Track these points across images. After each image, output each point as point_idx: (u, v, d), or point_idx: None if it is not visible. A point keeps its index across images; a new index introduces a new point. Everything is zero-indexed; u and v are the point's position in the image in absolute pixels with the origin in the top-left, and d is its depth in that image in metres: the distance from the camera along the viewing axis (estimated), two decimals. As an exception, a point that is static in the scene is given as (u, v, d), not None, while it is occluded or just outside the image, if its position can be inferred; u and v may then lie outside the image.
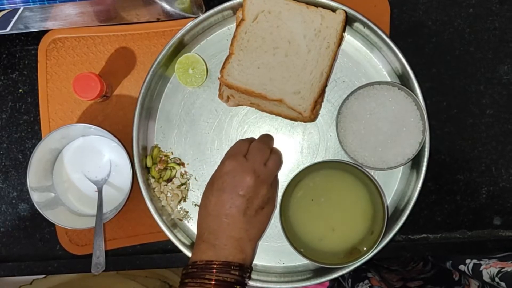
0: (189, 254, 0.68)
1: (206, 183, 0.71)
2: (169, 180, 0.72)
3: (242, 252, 0.61)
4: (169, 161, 0.72)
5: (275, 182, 0.68)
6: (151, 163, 0.71)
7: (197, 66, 0.70)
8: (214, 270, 0.58)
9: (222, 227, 0.61)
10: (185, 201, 0.72)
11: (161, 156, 0.72)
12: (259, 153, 0.64)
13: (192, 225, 0.73)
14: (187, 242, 0.70)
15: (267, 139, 0.69)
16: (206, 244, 0.61)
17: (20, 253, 0.75)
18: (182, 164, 0.72)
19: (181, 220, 0.72)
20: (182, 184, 0.72)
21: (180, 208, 0.72)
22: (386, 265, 0.94)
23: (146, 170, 0.71)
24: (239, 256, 0.61)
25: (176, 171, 0.72)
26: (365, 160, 0.67)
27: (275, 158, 0.66)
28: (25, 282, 0.96)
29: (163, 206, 0.71)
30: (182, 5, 0.68)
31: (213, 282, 0.58)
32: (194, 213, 0.72)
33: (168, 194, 0.72)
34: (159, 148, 0.72)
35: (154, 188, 0.71)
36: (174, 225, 0.71)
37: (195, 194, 0.73)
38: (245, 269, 0.61)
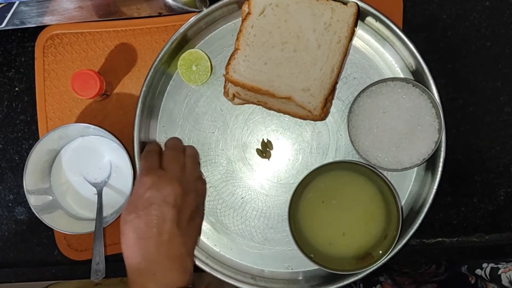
0: (210, 271, 0.66)
1: (211, 185, 0.69)
2: None
3: (185, 272, 0.57)
4: None
5: (200, 190, 0.65)
6: None
7: (201, 62, 0.67)
8: None
9: (161, 248, 0.55)
10: None
11: None
12: (175, 161, 0.62)
13: (207, 241, 0.70)
14: (203, 257, 0.68)
15: (175, 143, 0.66)
16: (144, 275, 0.54)
17: (17, 258, 0.73)
18: None
19: None
20: None
21: None
22: (397, 267, 0.92)
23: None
24: (184, 278, 0.56)
25: None
26: (378, 161, 0.64)
27: (190, 162, 0.64)
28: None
29: None
30: (185, -1, 0.65)
31: None
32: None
33: None
34: None
35: None
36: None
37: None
38: None
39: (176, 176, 0.60)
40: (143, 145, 0.68)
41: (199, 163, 0.67)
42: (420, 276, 0.89)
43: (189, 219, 0.60)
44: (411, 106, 0.63)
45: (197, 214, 0.62)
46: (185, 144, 0.69)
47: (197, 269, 0.67)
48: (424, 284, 0.84)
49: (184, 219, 0.59)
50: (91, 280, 0.67)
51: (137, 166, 0.66)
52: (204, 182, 0.68)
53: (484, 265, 0.72)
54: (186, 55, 0.67)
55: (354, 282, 0.86)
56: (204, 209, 0.67)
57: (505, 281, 0.68)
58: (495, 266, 0.70)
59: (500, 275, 0.69)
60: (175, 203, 0.57)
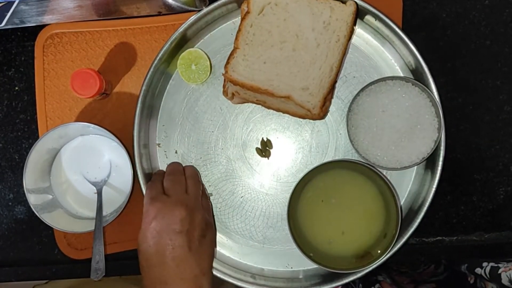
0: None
1: (211, 185, 0.69)
2: None
3: None
4: None
5: (206, 204, 0.66)
6: None
7: (200, 61, 0.67)
8: None
9: (173, 272, 0.57)
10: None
11: None
12: (177, 185, 0.62)
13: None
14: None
15: (174, 167, 0.66)
16: None
17: (17, 257, 0.73)
18: None
19: None
20: None
21: None
22: (396, 267, 0.92)
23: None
24: None
25: None
26: (377, 160, 0.64)
27: (192, 182, 0.64)
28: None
29: None
30: (185, -2, 0.65)
31: None
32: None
33: None
34: None
35: None
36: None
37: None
38: None
39: (179, 199, 0.60)
40: (142, 144, 0.68)
41: (200, 181, 0.67)
42: (418, 276, 0.89)
43: (200, 238, 0.60)
44: (410, 105, 0.63)
45: (208, 231, 0.62)
46: (185, 143, 0.69)
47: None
48: (422, 283, 0.84)
49: (195, 240, 0.59)
50: (84, 280, 0.67)
51: (137, 165, 0.66)
52: (208, 198, 0.68)
53: (484, 264, 0.72)
54: (185, 54, 0.67)
55: (353, 282, 0.86)
56: (214, 222, 0.68)
57: (505, 280, 0.68)
58: (495, 265, 0.70)
59: (500, 274, 0.69)
60: (182, 228, 0.58)
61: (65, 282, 0.87)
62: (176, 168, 0.66)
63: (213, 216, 0.69)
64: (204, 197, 0.66)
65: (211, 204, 0.68)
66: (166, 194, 0.61)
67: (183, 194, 0.61)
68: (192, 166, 0.68)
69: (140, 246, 0.59)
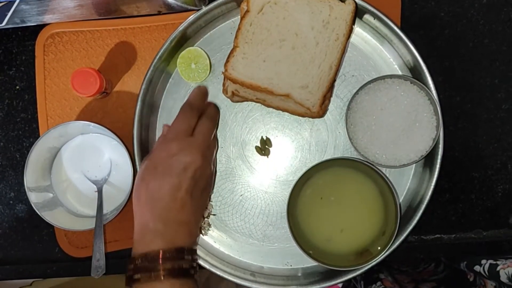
0: (209, 268, 0.67)
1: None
2: None
3: (191, 236, 0.59)
4: None
5: (214, 160, 0.67)
6: None
7: (200, 60, 0.68)
8: (167, 259, 0.54)
9: (172, 213, 0.57)
10: (208, 217, 0.69)
11: None
12: (208, 132, 0.63)
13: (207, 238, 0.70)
14: (202, 253, 0.69)
15: (215, 113, 0.67)
16: (153, 233, 0.56)
17: (18, 255, 0.73)
18: None
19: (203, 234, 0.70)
20: None
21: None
22: (396, 266, 0.92)
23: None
24: (189, 239, 0.58)
25: None
26: (376, 158, 0.64)
27: (215, 138, 0.67)
28: (25, 283, 0.94)
29: None
30: (184, -3, 0.66)
31: (167, 272, 0.54)
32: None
33: None
34: None
35: None
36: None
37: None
38: (194, 252, 0.59)
39: (202, 149, 0.60)
40: (142, 143, 0.68)
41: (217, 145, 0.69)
42: (418, 275, 0.89)
43: (202, 190, 0.61)
44: (409, 103, 0.63)
45: (208, 185, 0.64)
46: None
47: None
48: (422, 282, 0.85)
49: (198, 190, 0.60)
50: (91, 277, 0.67)
51: (137, 163, 0.67)
52: (216, 146, 0.68)
53: (483, 261, 0.73)
54: (185, 53, 0.68)
55: (355, 279, 0.87)
56: (214, 181, 0.69)
57: (503, 278, 0.68)
58: (494, 262, 0.71)
59: (498, 271, 0.69)
60: (194, 175, 0.59)
61: (55, 279, 0.87)
62: (215, 115, 0.67)
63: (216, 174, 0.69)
64: (215, 159, 0.67)
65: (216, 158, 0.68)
66: (194, 135, 0.61)
67: (206, 145, 0.62)
68: (215, 107, 0.68)
69: (146, 174, 0.59)
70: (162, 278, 0.54)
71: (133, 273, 0.55)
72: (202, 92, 0.67)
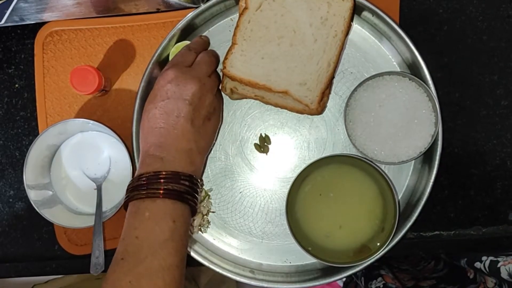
0: (209, 265, 0.67)
1: (210, 180, 0.69)
2: None
3: (191, 164, 0.59)
4: None
5: (219, 96, 0.66)
6: None
7: None
8: (162, 180, 0.55)
9: (170, 139, 0.58)
10: (208, 214, 0.70)
11: None
12: (206, 65, 0.63)
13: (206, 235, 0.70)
14: (202, 251, 0.69)
15: (215, 53, 0.67)
16: (153, 158, 0.57)
17: (18, 253, 0.73)
18: None
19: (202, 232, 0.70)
20: (203, 199, 0.69)
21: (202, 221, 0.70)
22: (396, 264, 0.92)
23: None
24: (189, 167, 0.58)
25: None
26: (375, 154, 0.64)
27: (218, 76, 0.66)
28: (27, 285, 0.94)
29: None
30: (183, -5, 0.66)
31: (161, 191, 0.55)
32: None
33: None
34: None
35: None
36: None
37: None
38: (195, 180, 0.59)
39: (199, 76, 0.60)
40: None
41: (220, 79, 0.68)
42: (419, 273, 0.89)
43: (205, 119, 0.61)
44: (407, 99, 0.63)
45: (213, 115, 0.63)
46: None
47: (196, 263, 0.68)
48: (423, 280, 0.85)
49: (199, 118, 0.60)
50: (91, 274, 0.67)
51: (136, 161, 0.67)
52: (221, 94, 0.68)
53: (484, 258, 0.73)
54: (180, 45, 0.67)
55: (356, 275, 0.87)
56: (222, 116, 0.68)
57: (504, 274, 0.68)
58: (495, 259, 0.71)
59: (499, 268, 0.69)
60: (192, 101, 0.59)
61: (65, 280, 0.87)
62: (216, 55, 0.67)
63: (222, 111, 0.68)
64: (219, 92, 0.66)
65: (223, 100, 0.68)
66: (191, 67, 0.62)
67: (205, 74, 0.62)
68: (214, 53, 0.67)
69: (147, 105, 0.60)
70: (155, 196, 0.55)
71: (130, 192, 0.56)
72: (203, 39, 0.68)
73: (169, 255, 0.54)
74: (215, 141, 0.68)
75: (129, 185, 0.58)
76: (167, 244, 0.54)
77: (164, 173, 0.56)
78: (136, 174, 0.58)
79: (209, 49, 0.69)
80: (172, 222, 0.55)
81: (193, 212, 0.59)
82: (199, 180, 0.60)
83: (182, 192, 0.56)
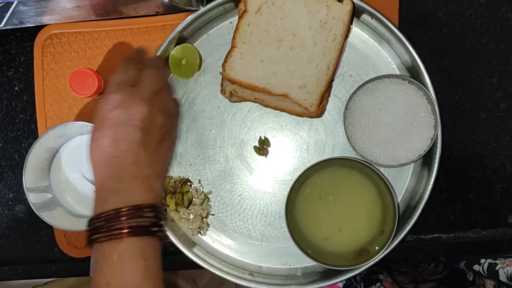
0: (208, 267, 0.67)
1: (209, 183, 0.69)
2: (190, 203, 0.69)
3: (151, 191, 0.55)
4: (182, 185, 0.69)
5: (174, 112, 0.63)
6: (163, 193, 0.69)
7: (191, 58, 0.67)
8: (124, 217, 0.51)
9: (125, 168, 0.54)
10: (207, 217, 0.70)
11: (172, 185, 0.69)
12: (152, 82, 0.58)
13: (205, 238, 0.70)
14: (201, 253, 0.69)
15: (159, 61, 0.63)
16: (108, 192, 0.53)
17: (17, 256, 0.73)
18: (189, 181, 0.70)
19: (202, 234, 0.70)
20: (203, 201, 0.69)
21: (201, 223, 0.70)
22: (396, 267, 0.92)
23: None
24: (149, 196, 0.54)
25: (191, 191, 0.69)
26: (374, 157, 0.64)
27: (168, 85, 0.62)
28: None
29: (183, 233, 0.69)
30: (182, -2, 0.66)
31: (126, 231, 0.51)
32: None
33: (190, 216, 0.69)
34: (170, 177, 0.69)
35: (173, 218, 0.69)
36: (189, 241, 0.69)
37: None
38: (158, 208, 0.55)
39: (147, 96, 0.56)
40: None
41: (172, 91, 0.64)
42: (419, 275, 0.89)
43: (158, 142, 0.57)
44: (407, 102, 0.63)
45: (167, 136, 0.59)
46: (183, 142, 0.70)
47: (195, 265, 0.68)
48: (423, 282, 0.85)
49: (152, 142, 0.56)
50: (91, 277, 0.67)
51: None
52: (177, 105, 0.65)
53: (482, 260, 0.72)
54: (179, 48, 0.67)
55: (355, 280, 0.87)
56: (176, 133, 0.64)
57: (502, 277, 0.68)
58: (493, 261, 0.71)
59: (497, 270, 0.69)
60: (142, 126, 0.55)
61: (65, 282, 0.87)
62: (159, 64, 0.63)
63: (177, 128, 0.66)
64: (173, 104, 0.63)
65: (179, 114, 0.65)
66: (137, 86, 0.57)
67: (153, 93, 0.57)
68: (159, 64, 0.63)
69: (94, 134, 0.55)
70: (119, 237, 0.51)
71: (91, 234, 0.53)
72: (140, 48, 0.63)
73: None
74: (172, 158, 0.65)
75: (88, 224, 0.54)
76: (141, 284, 0.51)
77: (124, 209, 0.52)
78: (94, 213, 0.54)
79: (154, 56, 0.64)
80: (143, 261, 0.52)
81: (163, 239, 0.56)
82: (161, 208, 0.56)
83: (147, 226, 0.53)
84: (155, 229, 0.54)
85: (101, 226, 0.52)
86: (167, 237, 0.58)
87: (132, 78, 0.57)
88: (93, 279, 0.52)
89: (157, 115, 0.57)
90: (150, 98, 0.56)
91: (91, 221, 0.53)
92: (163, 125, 0.57)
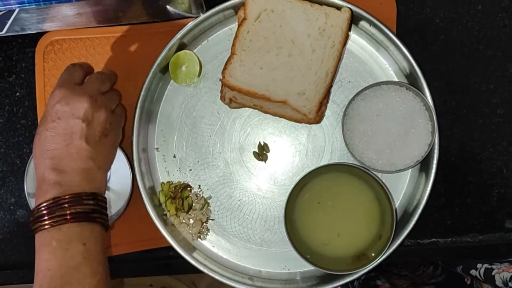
0: (208, 272, 0.68)
1: (209, 188, 0.70)
2: (190, 208, 0.69)
3: (92, 182, 0.57)
4: (183, 191, 0.70)
5: (120, 112, 0.65)
6: (164, 199, 0.69)
7: (191, 64, 0.68)
8: (66, 205, 0.53)
9: (65, 160, 0.56)
10: (207, 222, 0.70)
11: (172, 190, 0.69)
12: (97, 81, 0.61)
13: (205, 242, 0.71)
14: (201, 258, 0.69)
15: (110, 75, 0.65)
16: (49, 184, 0.55)
17: (19, 260, 0.73)
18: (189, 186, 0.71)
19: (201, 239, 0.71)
20: (203, 206, 0.70)
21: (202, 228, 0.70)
22: (396, 270, 0.92)
23: (159, 207, 0.70)
24: (90, 185, 0.57)
25: (190, 196, 0.70)
26: (372, 163, 0.65)
27: (114, 94, 0.64)
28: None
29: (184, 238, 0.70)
30: (182, 5, 0.66)
31: (68, 217, 0.53)
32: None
33: (190, 221, 0.70)
34: (170, 182, 0.70)
35: (173, 223, 0.69)
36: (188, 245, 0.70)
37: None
38: (99, 197, 0.57)
39: (89, 92, 0.58)
40: (141, 149, 0.69)
41: (119, 99, 0.66)
42: (417, 278, 0.90)
43: (100, 135, 0.59)
44: (404, 109, 0.64)
45: (111, 132, 0.61)
46: (183, 147, 0.71)
47: (195, 270, 0.68)
48: (421, 286, 0.85)
49: (94, 134, 0.58)
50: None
51: (136, 169, 0.67)
52: (124, 109, 0.67)
53: (479, 265, 0.73)
54: (180, 54, 0.68)
55: (353, 285, 0.87)
56: (122, 133, 0.66)
57: (498, 282, 0.69)
58: (489, 266, 0.71)
59: (494, 276, 0.70)
60: (85, 118, 0.57)
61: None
62: (110, 76, 0.65)
63: (122, 128, 0.66)
64: (119, 106, 0.65)
65: (124, 116, 0.67)
66: (81, 85, 0.60)
67: (97, 91, 0.60)
68: (107, 71, 0.66)
69: (39, 128, 0.57)
70: (59, 223, 0.53)
71: (33, 224, 0.54)
72: (87, 64, 0.66)
73: (85, 277, 0.53)
74: (115, 153, 0.65)
75: (30, 216, 0.55)
76: (80, 268, 0.53)
77: (66, 197, 0.54)
78: (35, 204, 0.55)
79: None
80: (82, 245, 0.54)
81: (106, 228, 0.58)
82: (104, 197, 0.59)
83: (87, 213, 0.55)
84: (96, 215, 0.56)
85: (42, 215, 0.54)
86: (110, 226, 0.61)
87: (77, 77, 0.60)
88: (36, 267, 0.54)
89: (99, 110, 0.58)
90: (92, 95, 0.58)
91: (32, 212, 0.55)
92: (106, 121, 0.59)
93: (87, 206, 0.55)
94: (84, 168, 0.57)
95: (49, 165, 0.55)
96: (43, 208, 0.54)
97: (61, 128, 0.56)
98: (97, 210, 0.56)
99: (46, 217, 0.53)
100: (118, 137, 0.64)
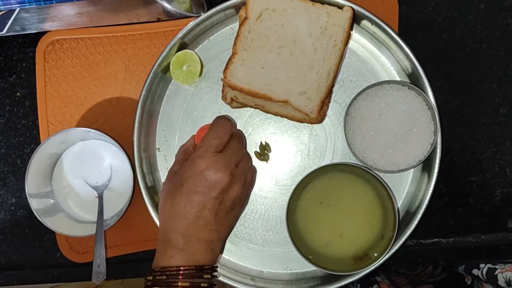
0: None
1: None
2: None
3: (212, 253, 0.60)
4: None
5: (249, 181, 0.66)
6: None
7: (192, 64, 0.68)
8: (186, 276, 0.56)
9: (193, 230, 0.58)
10: None
11: None
12: (236, 153, 0.62)
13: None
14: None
15: (242, 135, 0.67)
16: (175, 249, 0.58)
17: (20, 261, 0.73)
18: None
19: None
20: None
21: None
22: (394, 267, 0.92)
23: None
24: (210, 257, 0.59)
25: None
26: (374, 163, 0.64)
27: (247, 161, 0.65)
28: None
29: None
30: (183, 4, 0.66)
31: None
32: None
33: None
34: None
35: None
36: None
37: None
38: (215, 270, 0.60)
39: (230, 167, 0.60)
40: (142, 149, 0.69)
41: (250, 166, 0.67)
42: (416, 277, 0.89)
43: (228, 210, 0.61)
44: (406, 108, 0.63)
45: (237, 206, 0.63)
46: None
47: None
48: (420, 284, 0.85)
49: (224, 209, 0.60)
50: (92, 282, 0.68)
51: (137, 169, 0.67)
52: (254, 173, 0.68)
53: (482, 265, 0.73)
54: (181, 54, 0.68)
55: (352, 282, 0.87)
56: (247, 200, 0.68)
57: (501, 282, 0.69)
58: (492, 266, 0.71)
59: (496, 275, 0.69)
60: (219, 195, 0.59)
61: (67, 287, 0.87)
62: (242, 137, 0.66)
63: (249, 194, 0.68)
64: (250, 173, 0.66)
65: (254, 181, 0.68)
66: (222, 154, 0.61)
67: (234, 164, 0.61)
68: (242, 137, 0.67)
69: (172, 191, 0.60)
70: None
71: (152, 285, 0.56)
72: (229, 119, 0.66)
73: None
74: (236, 222, 0.68)
75: (150, 275, 0.57)
76: None
77: (187, 270, 0.56)
78: (158, 265, 0.57)
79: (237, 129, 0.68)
80: None
81: None
82: (217, 267, 0.61)
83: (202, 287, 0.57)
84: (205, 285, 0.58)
85: (163, 280, 0.56)
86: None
87: (222, 145, 0.61)
88: None
89: (234, 186, 0.61)
90: (232, 169, 0.60)
91: (152, 272, 0.57)
92: (237, 197, 0.61)
93: (205, 280, 0.57)
94: (207, 239, 0.59)
95: (178, 231, 0.58)
96: (166, 273, 0.56)
97: (196, 201, 0.58)
98: (212, 284, 0.58)
99: (166, 284, 0.55)
100: (243, 209, 0.67)
